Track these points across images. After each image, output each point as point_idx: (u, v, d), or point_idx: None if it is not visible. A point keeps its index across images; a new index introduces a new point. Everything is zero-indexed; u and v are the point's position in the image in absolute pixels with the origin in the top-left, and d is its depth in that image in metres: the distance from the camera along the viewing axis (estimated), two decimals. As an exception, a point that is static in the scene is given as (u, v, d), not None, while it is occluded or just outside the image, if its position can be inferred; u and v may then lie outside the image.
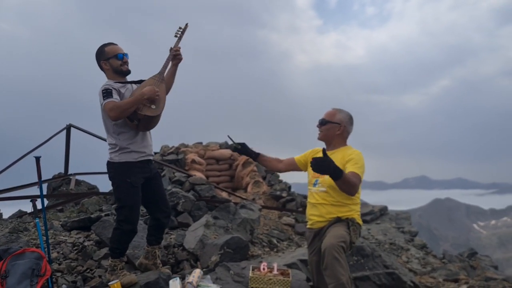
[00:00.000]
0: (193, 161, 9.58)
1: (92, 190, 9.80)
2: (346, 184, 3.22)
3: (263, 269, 3.80)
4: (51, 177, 9.43)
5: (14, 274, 3.40)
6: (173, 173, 8.76)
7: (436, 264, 7.17)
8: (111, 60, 3.77)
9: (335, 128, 3.61)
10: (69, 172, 9.35)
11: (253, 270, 3.84)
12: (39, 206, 4.06)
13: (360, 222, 3.59)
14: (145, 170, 3.85)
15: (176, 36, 3.95)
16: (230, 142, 4.06)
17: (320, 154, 3.66)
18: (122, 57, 3.80)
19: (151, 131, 3.97)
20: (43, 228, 4.26)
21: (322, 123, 3.66)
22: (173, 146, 10.40)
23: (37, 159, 3.94)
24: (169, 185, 8.11)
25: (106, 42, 3.86)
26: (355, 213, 3.53)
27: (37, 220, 3.98)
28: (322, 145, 3.73)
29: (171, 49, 3.95)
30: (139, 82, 3.92)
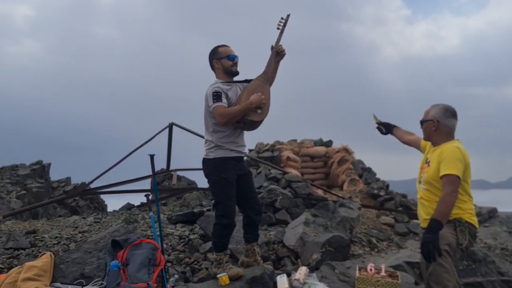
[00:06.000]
0: (288, 158, 9.62)
1: (192, 185, 10.27)
2: (448, 213, 3.18)
3: (370, 270, 3.72)
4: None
5: (133, 262, 3.66)
6: (269, 170, 8.86)
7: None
8: (223, 60, 3.94)
9: (430, 126, 3.46)
10: (171, 168, 9.86)
11: (359, 270, 3.78)
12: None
13: (472, 221, 3.35)
14: (238, 166, 3.98)
15: (278, 28, 4.01)
16: (375, 121, 4.06)
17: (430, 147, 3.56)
18: (233, 58, 3.95)
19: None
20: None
21: (421, 123, 3.56)
22: (268, 143, 10.53)
23: (151, 156, 4.19)
24: (265, 182, 8.22)
25: (220, 44, 4.04)
26: (464, 213, 3.32)
27: (151, 213, 4.25)
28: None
29: (272, 47, 4.01)
30: (245, 81, 4.04)
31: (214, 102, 3.75)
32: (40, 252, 4.39)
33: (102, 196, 12.26)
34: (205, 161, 3.97)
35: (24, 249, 4.63)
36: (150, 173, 8.42)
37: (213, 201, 7.33)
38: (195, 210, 6.11)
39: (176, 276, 4.12)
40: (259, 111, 3.83)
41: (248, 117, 3.80)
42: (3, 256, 4.43)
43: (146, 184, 11.17)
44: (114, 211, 8.93)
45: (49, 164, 12.86)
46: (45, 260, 3.74)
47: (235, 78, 4.05)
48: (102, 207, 12.50)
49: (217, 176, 3.88)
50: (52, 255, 3.90)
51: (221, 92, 3.78)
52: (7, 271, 3.92)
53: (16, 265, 4.07)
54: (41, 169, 12.43)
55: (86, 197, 11.59)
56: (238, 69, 4.03)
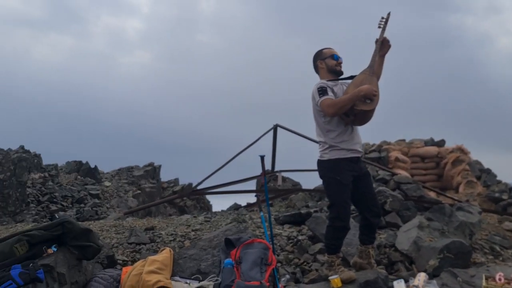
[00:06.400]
0: (397, 159, 9.21)
1: (296, 187, 10.27)
2: None
3: (499, 279, 3.38)
4: (259, 173, 10.16)
5: (246, 261, 3.72)
6: (376, 171, 8.57)
7: None
8: (327, 60, 3.94)
9: None
10: (276, 169, 9.94)
11: (486, 279, 3.46)
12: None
13: None
14: (354, 167, 3.85)
15: (379, 27, 3.92)
16: None
17: None
18: (337, 58, 3.94)
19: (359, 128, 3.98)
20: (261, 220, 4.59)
21: None
22: (374, 144, 10.20)
23: (262, 157, 4.25)
24: (373, 184, 7.95)
25: (324, 47, 4.03)
26: None
27: (261, 213, 4.30)
28: None
29: (377, 40, 3.92)
30: (350, 78, 3.96)
31: (320, 97, 3.74)
32: (159, 248, 4.67)
33: (208, 196, 12.78)
34: (319, 162, 3.93)
35: (144, 244, 4.97)
36: (253, 174, 8.65)
37: (320, 202, 7.23)
38: (302, 211, 6.09)
39: (288, 276, 4.13)
40: (368, 101, 3.70)
41: (357, 107, 3.69)
42: (127, 250, 4.79)
43: (250, 185, 11.39)
44: (222, 211, 9.24)
45: (160, 166, 13.78)
46: (165, 255, 3.96)
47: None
48: (207, 207, 13.06)
49: (331, 178, 3.82)
50: (171, 250, 4.12)
51: (326, 87, 3.77)
52: (131, 264, 4.22)
53: (138, 259, 4.38)
54: (152, 171, 13.38)
55: (193, 197, 12.18)
56: (342, 71, 3.98)
